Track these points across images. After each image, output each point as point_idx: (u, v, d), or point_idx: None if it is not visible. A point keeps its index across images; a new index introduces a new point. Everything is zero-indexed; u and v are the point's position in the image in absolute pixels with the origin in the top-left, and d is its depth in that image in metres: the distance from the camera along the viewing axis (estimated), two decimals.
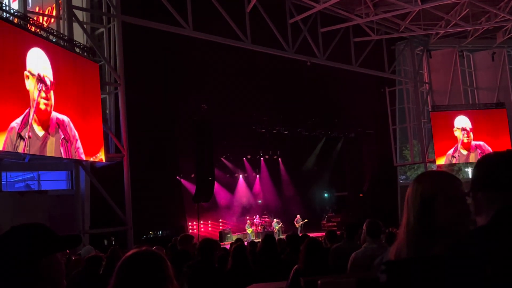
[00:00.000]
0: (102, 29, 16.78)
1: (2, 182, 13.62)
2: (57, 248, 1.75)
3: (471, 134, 26.03)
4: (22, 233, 1.71)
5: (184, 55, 19.90)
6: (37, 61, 12.56)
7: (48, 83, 12.84)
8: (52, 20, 16.00)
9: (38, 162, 15.04)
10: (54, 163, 15.70)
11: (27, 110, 11.99)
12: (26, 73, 12.10)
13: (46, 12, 16.49)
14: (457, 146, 26.02)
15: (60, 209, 14.85)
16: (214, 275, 4.88)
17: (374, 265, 2.00)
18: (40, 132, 12.43)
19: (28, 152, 12.01)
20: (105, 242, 16.60)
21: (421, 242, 1.60)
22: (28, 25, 12.79)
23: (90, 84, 14.95)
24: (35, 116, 12.23)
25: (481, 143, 26.08)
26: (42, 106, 12.55)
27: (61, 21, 15.24)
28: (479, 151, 26.00)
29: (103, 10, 16.46)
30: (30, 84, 12.20)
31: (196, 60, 19.99)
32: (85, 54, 14.95)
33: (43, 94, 12.57)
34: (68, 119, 13.60)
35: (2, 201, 12.52)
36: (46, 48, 13.02)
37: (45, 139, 12.58)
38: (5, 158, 12.75)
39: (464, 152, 26.02)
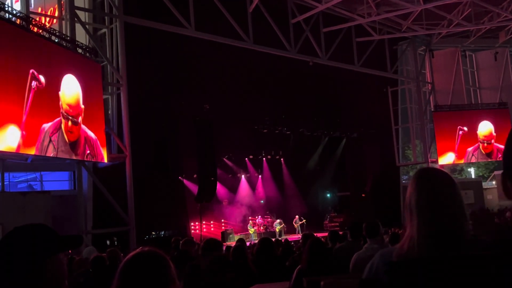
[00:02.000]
0: (104, 30, 16.79)
1: (5, 183, 13.61)
2: (59, 248, 1.74)
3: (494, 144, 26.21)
4: (25, 234, 1.71)
5: (186, 55, 19.89)
6: (71, 90, 13.82)
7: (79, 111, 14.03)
8: (55, 21, 16.02)
9: (41, 163, 15.05)
10: (56, 164, 15.71)
11: (58, 118, 13.09)
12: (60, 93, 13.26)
13: (49, 13, 16.51)
14: (478, 145, 26.13)
15: (62, 210, 14.86)
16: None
17: (372, 264, 1.97)
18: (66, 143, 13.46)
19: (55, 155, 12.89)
20: (108, 242, 16.59)
21: (435, 245, 1.58)
22: (31, 26, 12.81)
23: (93, 84, 14.97)
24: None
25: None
26: (70, 132, 13.62)
27: (64, 22, 15.26)
28: (500, 156, 26.26)
29: (105, 11, 16.48)
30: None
31: (198, 60, 19.98)
32: (88, 54, 14.96)
33: (70, 124, 13.62)
34: (96, 138, 14.58)
35: (5, 202, 12.53)
36: (78, 72, 14.12)
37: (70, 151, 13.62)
38: (8, 159, 12.78)
39: (484, 153, 26.19)
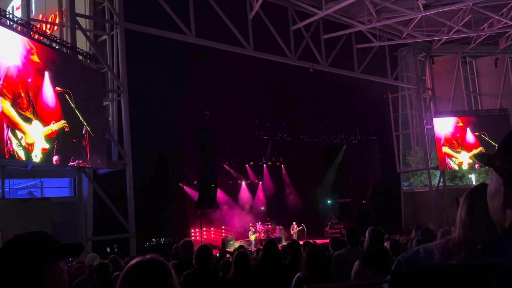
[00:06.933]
0: (105, 37, 16.84)
1: (5, 190, 13.59)
2: (59, 256, 1.74)
3: None
4: (26, 241, 1.71)
5: (187, 62, 19.93)
6: None
7: None
8: (56, 27, 16.08)
9: (41, 169, 15.04)
10: (57, 170, 15.70)
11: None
12: None
13: (49, 20, 16.57)
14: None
15: (63, 216, 14.84)
16: (210, 283, 4.82)
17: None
18: None
19: None
20: (108, 249, 16.55)
21: None
22: (32, 32, 12.85)
23: (93, 91, 15.00)
24: None
25: None
26: None
27: (64, 29, 15.31)
28: None
29: (106, 18, 16.53)
30: None
31: (199, 66, 20.02)
32: (88, 61, 14.99)
33: None
34: None
35: (5, 209, 12.52)
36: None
37: None
38: (8, 165, 12.77)
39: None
